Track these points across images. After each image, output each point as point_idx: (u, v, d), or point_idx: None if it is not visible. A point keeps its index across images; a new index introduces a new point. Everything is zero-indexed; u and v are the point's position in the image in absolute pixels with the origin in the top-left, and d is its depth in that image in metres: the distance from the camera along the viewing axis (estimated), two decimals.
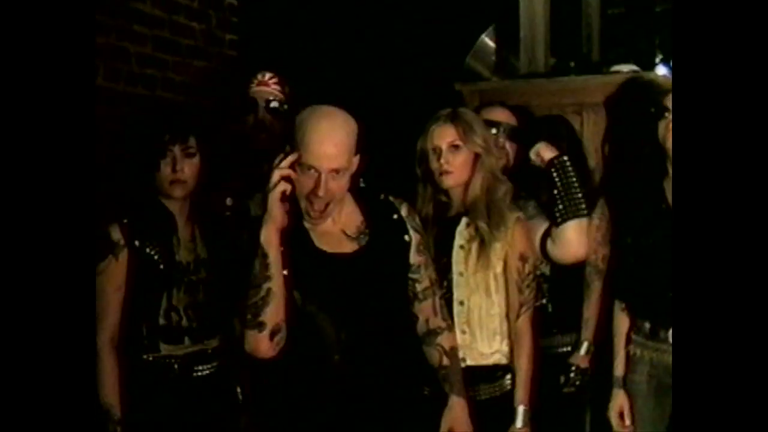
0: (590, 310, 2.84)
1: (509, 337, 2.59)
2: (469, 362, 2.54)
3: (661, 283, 2.51)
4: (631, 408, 2.70)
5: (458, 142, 2.62)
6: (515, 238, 2.60)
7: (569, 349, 2.88)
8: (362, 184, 2.50)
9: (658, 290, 2.55)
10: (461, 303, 2.58)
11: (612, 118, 3.39)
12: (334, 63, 4.53)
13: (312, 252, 2.25)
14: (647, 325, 2.64)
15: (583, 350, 2.84)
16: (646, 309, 2.66)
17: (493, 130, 2.86)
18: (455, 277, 2.59)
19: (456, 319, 2.55)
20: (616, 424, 2.72)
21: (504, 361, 2.58)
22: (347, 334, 2.21)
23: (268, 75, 3.03)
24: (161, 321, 2.59)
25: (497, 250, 2.57)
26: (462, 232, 2.62)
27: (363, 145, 2.27)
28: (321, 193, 2.17)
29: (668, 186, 2.63)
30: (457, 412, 2.38)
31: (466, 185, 2.65)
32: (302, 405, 2.23)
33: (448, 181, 2.64)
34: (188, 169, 2.58)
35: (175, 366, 2.60)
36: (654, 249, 2.59)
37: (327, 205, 2.21)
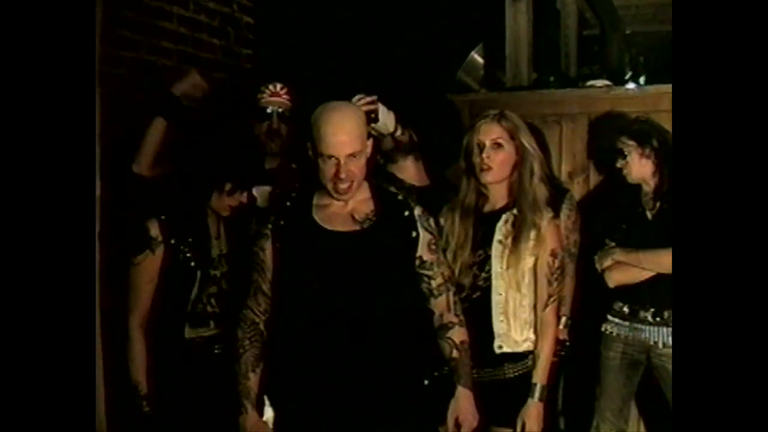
0: (567, 290, 3.02)
1: (535, 325, 2.64)
2: (505, 349, 2.63)
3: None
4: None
5: (502, 141, 2.66)
6: (548, 236, 2.64)
7: None
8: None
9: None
10: (500, 294, 2.64)
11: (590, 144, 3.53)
12: (339, 75, 4.56)
13: (311, 227, 2.37)
14: (626, 309, 2.89)
15: (562, 324, 3.02)
16: (625, 294, 2.89)
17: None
18: (494, 269, 2.64)
19: (494, 309, 2.63)
20: None
21: (532, 348, 2.64)
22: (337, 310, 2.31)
23: (279, 86, 3.13)
24: (189, 308, 2.74)
25: (530, 247, 2.63)
26: (501, 228, 2.66)
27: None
28: (343, 176, 2.32)
29: (642, 195, 2.88)
30: (463, 402, 2.40)
31: (510, 183, 2.69)
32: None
33: (487, 177, 2.67)
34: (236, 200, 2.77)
35: (199, 344, 2.75)
36: (635, 245, 2.84)
37: (350, 184, 2.36)
